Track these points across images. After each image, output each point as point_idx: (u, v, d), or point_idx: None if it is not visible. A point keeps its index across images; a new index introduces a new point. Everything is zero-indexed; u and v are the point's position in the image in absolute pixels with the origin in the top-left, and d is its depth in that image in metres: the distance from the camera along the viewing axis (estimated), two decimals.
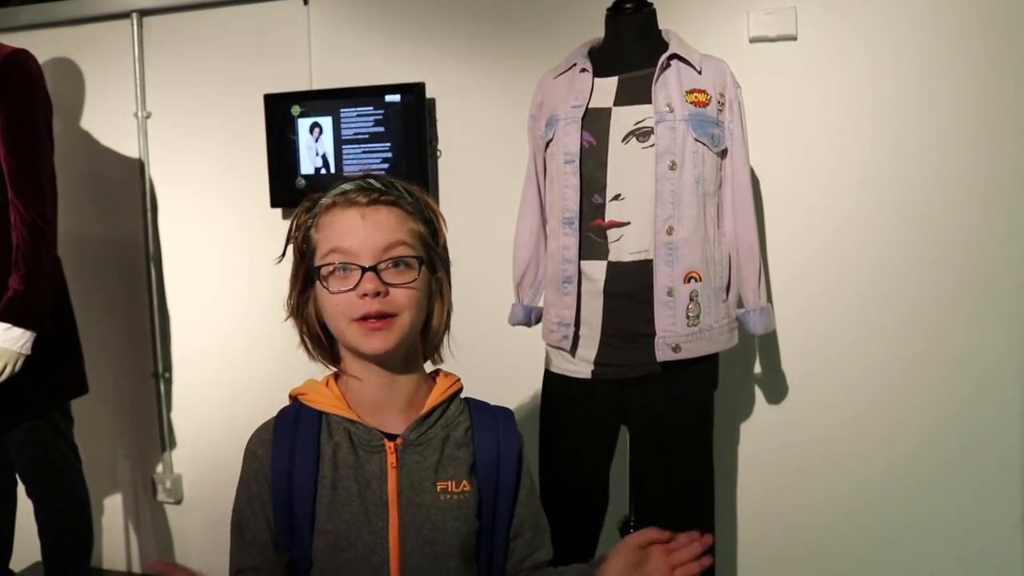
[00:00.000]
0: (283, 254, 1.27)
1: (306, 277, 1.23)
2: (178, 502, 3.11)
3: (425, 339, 1.28)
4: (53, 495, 2.41)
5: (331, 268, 1.18)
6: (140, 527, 3.20)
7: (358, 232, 1.18)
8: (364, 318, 1.17)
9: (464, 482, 1.24)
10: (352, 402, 1.25)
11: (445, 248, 1.29)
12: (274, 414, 1.28)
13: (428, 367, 1.33)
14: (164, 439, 3.09)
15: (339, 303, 1.18)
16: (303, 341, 1.28)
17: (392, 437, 1.22)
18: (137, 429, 3.14)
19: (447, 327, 1.29)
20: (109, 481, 3.18)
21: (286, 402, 1.30)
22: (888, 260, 2.33)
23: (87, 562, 2.51)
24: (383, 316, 1.17)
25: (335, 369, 1.29)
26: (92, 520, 2.53)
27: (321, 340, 1.27)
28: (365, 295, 1.15)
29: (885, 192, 2.32)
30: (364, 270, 1.16)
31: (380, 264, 1.17)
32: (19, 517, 2.35)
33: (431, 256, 1.24)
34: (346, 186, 1.22)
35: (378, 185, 1.22)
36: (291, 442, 1.21)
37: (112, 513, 3.20)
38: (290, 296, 1.27)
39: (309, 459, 1.20)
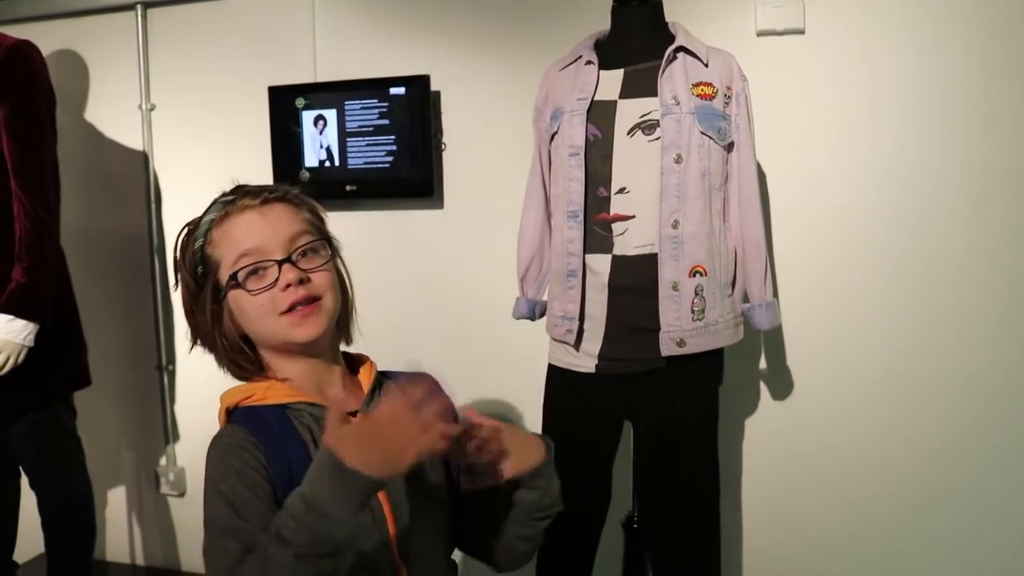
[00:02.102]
0: (176, 283, 1.28)
1: (214, 295, 1.23)
2: (181, 495, 3.11)
3: (338, 322, 1.30)
4: (56, 487, 2.42)
5: (247, 271, 1.19)
6: (143, 519, 3.20)
7: (262, 230, 1.20)
8: (291, 308, 1.19)
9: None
10: (297, 389, 1.25)
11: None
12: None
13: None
14: (167, 432, 3.09)
15: (263, 302, 1.19)
16: (226, 361, 1.26)
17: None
18: (140, 422, 3.15)
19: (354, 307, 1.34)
20: (112, 473, 3.19)
21: None
22: (895, 256, 2.31)
23: (90, 554, 2.51)
24: (310, 301, 1.20)
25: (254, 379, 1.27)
26: (95, 512, 2.54)
27: (247, 353, 1.26)
28: (288, 286, 1.18)
29: (893, 188, 2.30)
30: (280, 263, 1.19)
31: (293, 254, 1.20)
32: (22, 509, 2.35)
33: (330, 240, 1.29)
34: (226, 198, 1.24)
35: (257, 187, 1.26)
36: (277, 441, 1.18)
37: (115, 505, 3.21)
38: (193, 324, 1.27)
39: (301, 452, 1.18)
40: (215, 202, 1.25)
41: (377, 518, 1.18)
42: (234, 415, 1.23)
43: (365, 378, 1.32)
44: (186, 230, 1.26)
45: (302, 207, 1.27)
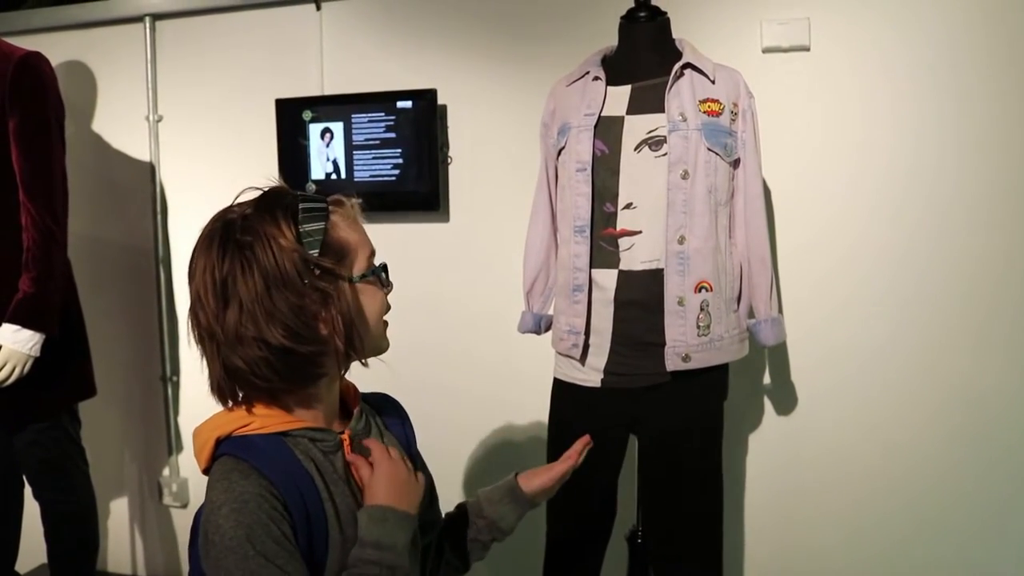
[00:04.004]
0: (249, 262, 1.11)
1: (328, 277, 1.14)
2: (184, 505, 3.11)
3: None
4: (60, 497, 2.41)
5: (381, 267, 1.22)
6: (146, 530, 3.20)
7: (367, 235, 1.23)
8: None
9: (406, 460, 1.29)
10: (297, 415, 1.19)
11: None
12: None
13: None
14: (171, 442, 3.09)
15: (383, 302, 1.23)
16: (314, 352, 1.14)
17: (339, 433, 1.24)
18: (144, 432, 3.15)
19: None
20: (116, 484, 3.19)
21: None
22: (901, 272, 2.31)
23: (93, 565, 2.51)
24: None
25: (232, 403, 1.18)
26: (98, 523, 2.53)
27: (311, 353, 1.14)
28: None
29: (897, 202, 2.30)
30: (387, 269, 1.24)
31: None
32: (26, 519, 2.35)
33: None
34: (333, 196, 1.23)
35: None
36: (287, 474, 1.11)
37: (118, 516, 3.21)
38: (316, 301, 1.13)
39: (310, 484, 1.13)
40: (304, 194, 1.18)
41: None
42: (224, 445, 1.14)
43: (355, 392, 1.32)
44: (315, 206, 1.16)
45: None
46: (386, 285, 1.24)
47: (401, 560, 1.14)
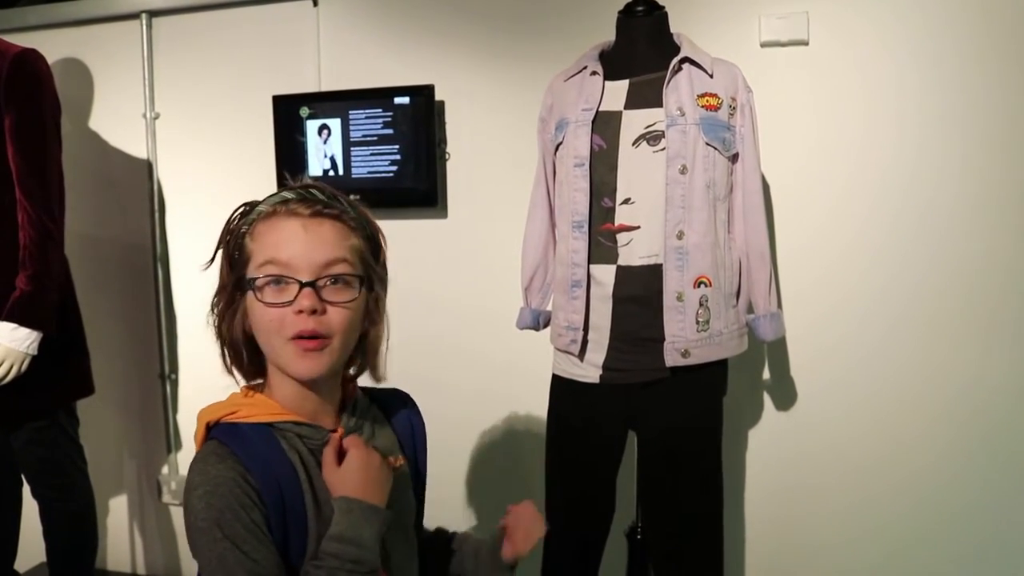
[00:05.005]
0: (211, 260, 1.21)
1: (236, 286, 1.18)
2: (183, 504, 3.10)
3: (364, 357, 1.26)
4: (58, 496, 2.41)
5: (267, 280, 1.13)
6: (145, 528, 3.19)
7: (298, 244, 1.13)
8: (297, 337, 1.13)
9: (400, 457, 1.29)
10: (287, 408, 1.20)
11: (384, 266, 1.27)
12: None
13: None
14: (170, 440, 3.09)
15: (273, 318, 1.13)
16: (223, 352, 1.22)
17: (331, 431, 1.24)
18: (143, 430, 3.14)
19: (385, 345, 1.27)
20: (114, 482, 3.18)
21: None
22: (902, 267, 2.31)
23: (92, 563, 2.50)
24: (316, 336, 1.13)
25: (246, 383, 1.25)
26: (97, 521, 2.53)
27: (240, 352, 1.21)
28: (301, 311, 1.12)
29: (895, 197, 2.30)
30: (302, 285, 1.12)
31: (319, 280, 1.13)
32: (24, 518, 2.34)
33: (370, 274, 1.21)
34: (287, 194, 1.18)
35: (321, 196, 1.18)
36: (266, 462, 1.13)
37: (117, 514, 3.21)
38: (215, 304, 1.21)
39: (292, 475, 1.15)
40: (277, 192, 1.19)
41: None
42: (215, 431, 1.17)
43: (352, 390, 1.31)
44: (241, 209, 1.20)
45: (357, 232, 1.20)
46: (267, 299, 1.14)
47: (365, 554, 1.11)
